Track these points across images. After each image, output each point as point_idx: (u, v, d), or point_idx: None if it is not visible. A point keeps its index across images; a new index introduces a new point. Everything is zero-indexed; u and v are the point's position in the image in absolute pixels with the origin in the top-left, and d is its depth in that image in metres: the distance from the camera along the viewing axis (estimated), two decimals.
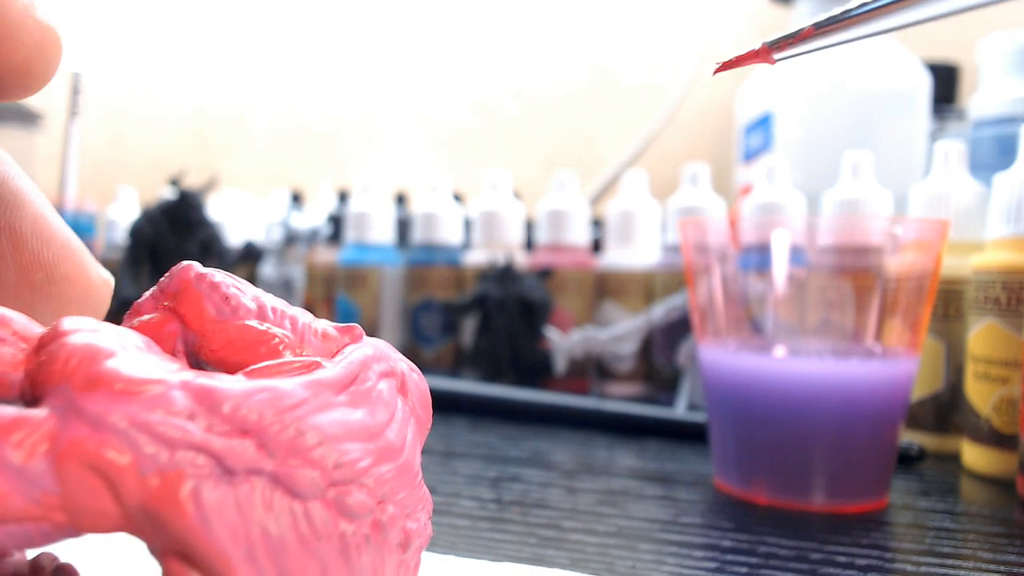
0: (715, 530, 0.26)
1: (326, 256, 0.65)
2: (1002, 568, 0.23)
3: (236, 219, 0.69)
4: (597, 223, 0.63)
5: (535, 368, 0.51)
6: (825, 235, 0.31)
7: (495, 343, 0.51)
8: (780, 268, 0.30)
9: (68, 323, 0.12)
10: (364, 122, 0.90)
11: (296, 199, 0.71)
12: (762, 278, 0.31)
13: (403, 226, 0.65)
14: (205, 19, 0.95)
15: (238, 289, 0.15)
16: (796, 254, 0.31)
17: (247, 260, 0.63)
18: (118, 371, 0.12)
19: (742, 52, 0.16)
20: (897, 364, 0.29)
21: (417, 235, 0.58)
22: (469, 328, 0.54)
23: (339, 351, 0.15)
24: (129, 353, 0.12)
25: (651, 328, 0.51)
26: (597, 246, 0.60)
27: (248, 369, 0.14)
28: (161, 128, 0.97)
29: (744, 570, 0.23)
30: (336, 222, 0.65)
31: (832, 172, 0.45)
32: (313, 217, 0.64)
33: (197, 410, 0.12)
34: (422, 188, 0.71)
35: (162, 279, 0.15)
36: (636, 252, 0.55)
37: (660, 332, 0.51)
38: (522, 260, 0.56)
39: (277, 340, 0.14)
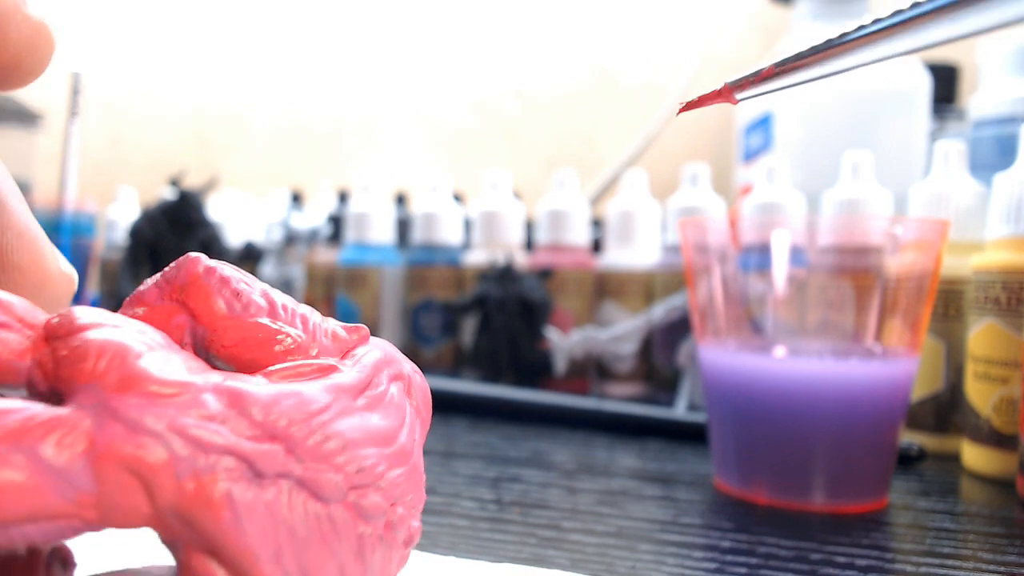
0: (715, 530, 0.26)
1: (326, 256, 0.65)
2: (1002, 569, 0.23)
3: (236, 219, 0.69)
4: (597, 223, 0.63)
5: (535, 368, 0.51)
6: (825, 235, 0.31)
7: (495, 343, 0.51)
8: (780, 268, 0.30)
9: (82, 315, 0.12)
10: (364, 122, 0.90)
11: (296, 199, 0.71)
12: (762, 278, 0.31)
13: (403, 226, 0.65)
14: (205, 19, 0.95)
15: (247, 285, 0.15)
16: (796, 254, 0.31)
17: (247, 260, 0.63)
18: (149, 372, 0.12)
19: (705, 92, 0.16)
20: (897, 364, 0.29)
21: (417, 235, 0.58)
22: (469, 328, 0.54)
23: (348, 352, 0.15)
24: (156, 353, 0.12)
25: (651, 328, 0.51)
26: (597, 246, 0.60)
27: (267, 370, 0.14)
28: (161, 128, 0.97)
29: (744, 570, 0.23)
30: (336, 222, 0.65)
31: (832, 172, 0.45)
32: (313, 217, 0.64)
33: (228, 414, 0.12)
34: (422, 188, 0.71)
35: (167, 270, 0.15)
36: (636, 252, 0.55)
37: (660, 332, 0.51)
38: (522, 260, 0.56)
39: (290, 340, 0.15)
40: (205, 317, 0.14)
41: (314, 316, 0.15)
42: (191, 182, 0.67)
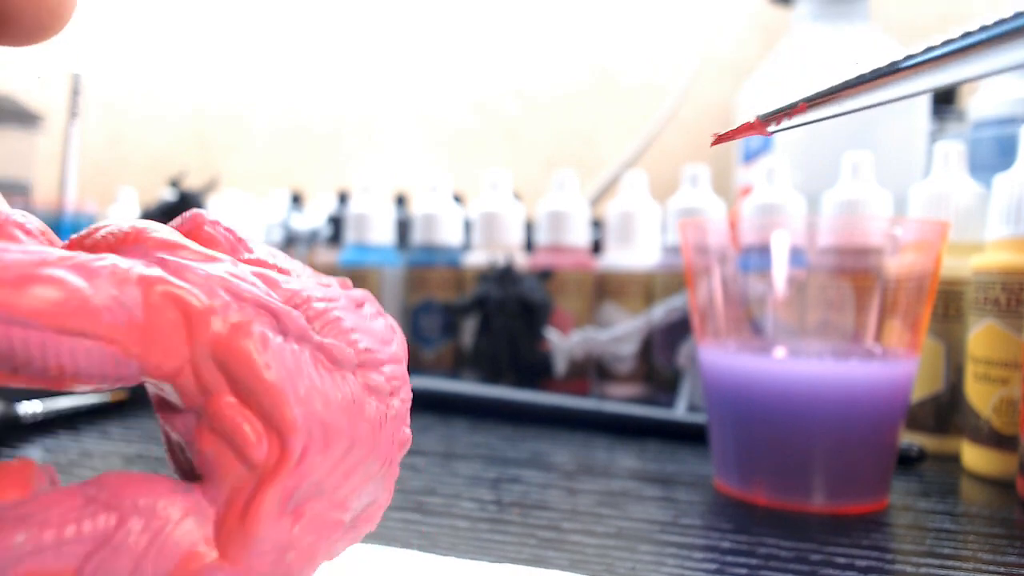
0: (715, 531, 0.26)
1: (326, 257, 0.65)
2: (1002, 569, 0.23)
3: (236, 220, 0.69)
4: (597, 224, 0.63)
5: (535, 369, 0.51)
6: (825, 236, 0.31)
7: (495, 344, 0.51)
8: (780, 269, 0.30)
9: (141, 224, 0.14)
10: (364, 122, 0.90)
11: (296, 200, 0.71)
12: (762, 279, 0.31)
13: (403, 227, 0.65)
14: (205, 19, 0.95)
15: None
16: (796, 255, 0.31)
17: None
18: (191, 246, 0.14)
19: (737, 126, 0.17)
20: (897, 365, 0.29)
21: (417, 236, 0.58)
22: (469, 329, 0.54)
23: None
24: (196, 243, 0.14)
25: (651, 329, 0.51)
26: (597, 247, 0.60)
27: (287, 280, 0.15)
28: (161, 128, 0.97)
29: (744, 571, 0.23)
30: (336, 223, 0.65)
31: (832, 172, 0.45)
32: (313, 218, 0.64)
33: (259, 282, 0.14)
34: (422, 189, 0.71)
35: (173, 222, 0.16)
36: (636, 253, 0.55)
37: (660, 333, 0.51)
38: (522, 261, 0.56)
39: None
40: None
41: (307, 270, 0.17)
42: (191, 183, 0.67)
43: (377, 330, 0.16)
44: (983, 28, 0.15)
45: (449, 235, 0.58)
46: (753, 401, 0.29)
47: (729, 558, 0.24)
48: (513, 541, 0.25)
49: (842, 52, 0.55)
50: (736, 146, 0.63)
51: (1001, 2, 0.14)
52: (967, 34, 0.15)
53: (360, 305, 0.16)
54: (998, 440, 0.33)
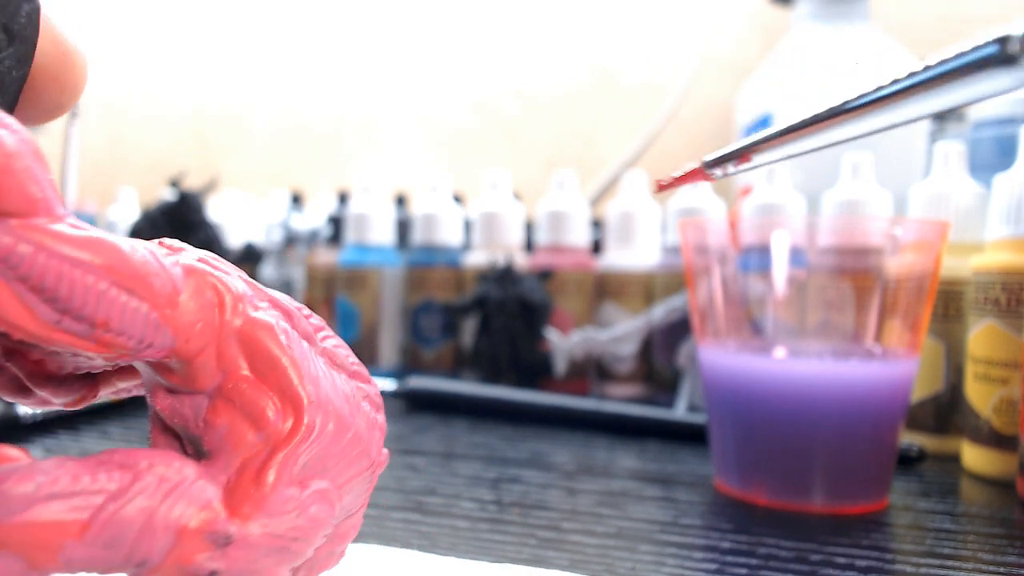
0: (715, 531, 0.26)
1: (326, 257, 0.65)
2: (1002, 569, 0.23)
3: (236, 220, 0.69)
4: (597, 224, 0.63)
5: (535, 369, 0.51)
6: (825, 236, 0.31)
7: (495, 344, 0.51)
8: (780, 269, 0.30)
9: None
10: (364, 122, 0.90)
11: (296, 200, 0.71)
12: (762, 279, 0.31)
13: (403, 227, 0.65)
14: (205, 19, 0.95)
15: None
16: (796, 255, 0.31)
17: (247, 261, 0.63)
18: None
19: (681, 173, 0.18)
20: (897, 365, 0.29)
21: (417, 236, 0.58)
22: (469, 329, 0.54)
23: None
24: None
25: (651, 329, 0.51)
26: (597, 247, 0.60)
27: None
28: (161, 128, 0.97)
29: (744, 571, 0.23)
30: (336, 223, 0.65)
31: (832, 172, 0.45)
32: (313, 218, 0.64)
33: (268, 290, 0.16)
34: (422, 189, 0.71)
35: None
36: (636, 253, 0.55)
37: (660, 333, 0.51)
38: (522, 261, 0.56)
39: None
40: None
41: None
42: (191, 183, 0.67)
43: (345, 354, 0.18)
44: (926, 68, 0.15)
45: (449, 235, 0.58)
46: (753, 401, 0.29)
47: (729, 558, 0.24)
48: (513, 541, 0.25)
49: (842, 52, 0.55)
50: None
51: (1000, 2, 0.14)
52: (911, 74, 0.15)
53: (321, 328, 0.18)
54: (998, 440, 0.33)
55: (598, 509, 0.28)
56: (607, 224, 0.57)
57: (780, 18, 0.70)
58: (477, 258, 0.56)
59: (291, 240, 0.58)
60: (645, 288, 0.54)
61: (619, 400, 0.50)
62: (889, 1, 0.67)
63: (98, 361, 0.14)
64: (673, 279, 0.51)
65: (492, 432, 0.41)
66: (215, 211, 0.67)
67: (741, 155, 0.17)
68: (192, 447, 0.15)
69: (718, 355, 0.31)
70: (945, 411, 0.37)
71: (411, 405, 0.46)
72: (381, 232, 0.59)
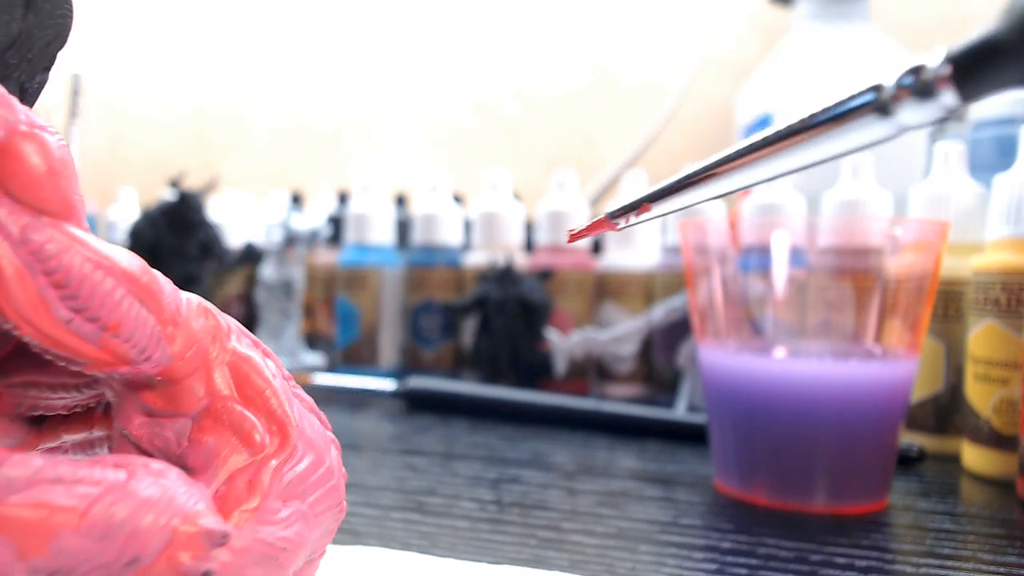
0: (715, 531, 0.26)
1: (326, 257, 0.65)
2: (1002, 570, 0.23)
3: (236, 220, 0.69)
4: None
5: (535, 369, 0.51)
6: (825, 236, 0.31)
7: (495, 344, 0.51)
8: (780, 269, 0.30)
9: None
10: (364, 122, 0.90)
11: (296, 200, 0.71)
12: (762, 279, 0.31)
13: (403, 227, 0.65)
14: (205, 19, 0.95)
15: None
16: (796, 255, 0.31)
17: (247, 261, 0.63)
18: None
19: (590, 223, 0.18)
20: (897, 365, 0.29)
21: (417, 236, 0.58)
22: (469, 329, 0.54)
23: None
24: None
25: (651, 329, 0.51)
26: (597, 247, 0.60)
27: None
28: (161, 128, 0.97)
29: (744, 571, 0.23)
30: (336, 223, 0.65)
31: (832, 172, 0.45)
32: (313, 218, 0.64)
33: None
34: (422, 189, 0.71)
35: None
36: (636, 253, 0.55)
37: (660, 333, 0.51)
38: (522, 261, 0.56)
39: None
40: None
41: None
42: (191, 183, 0.67)
43: None
44: (805, 118, 0.15)
45: (449, 235, 0.58)
46: (753, 401, 0.29)
47: (729, 558, 0.24)
48: (513, 541, 0.25)
49: (842, 52, 0.55)
50: None
51: (1000, 3, 0.14)
52: (790, 124, 0.16)
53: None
54: (998, 440, 0.33)
55: (598, 509, 0.28)
56: None
57: (780, 18, 0.70)
58: (477, 258, 0.56)
59: (291, 240, 0.58)
60: (645, 288, 0.54)
61: (619, 400, 0.50)
62: (889, 1, 0.67)
63: (58, 401, 0.15)
64: (673, 279, 0.51)
65: (492, 432, 0.41)
66: (215, 211, 0.67)
67: (640, 206, 0.18)
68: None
69: (718, 355, 0.31)
70: (945, 411, 0.37)
71: (411, 405, 0.46)
72: (381, 232, 0.59)
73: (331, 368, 0.58)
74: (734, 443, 0.30)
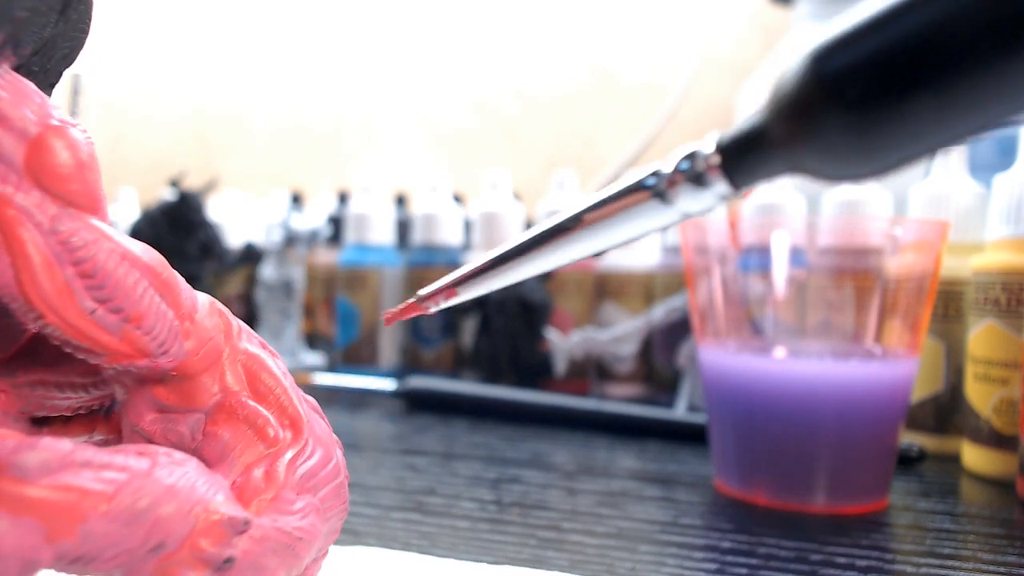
0: (715, 531, 0.26)
1: (326, 257, 0.65)
2: (1002, 569, 0.23)
3: (236, 220, 0.69)
4: None
5: (535, 369, 0.51)
6: (825, 236, 0.31)
7: (495, 344, 0.51)
8: (780, 269, 0.30)
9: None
10: (364, 122, 0.90)
11: (296, 200, 0.71)
12: (762, 279, 0.31)
13: (403, 227, 0.65)
14: (205, 19, 0.95)
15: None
16: (796, 255, 0.31)
17: (247, 261, 0.63)
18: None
19: (404, 306, 0.18)
20: (897, 365, 0.29)
21: (417, 236, 0.58)
22: (469, 329, 0.54)
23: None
24: None
25: (651, 329, 0.51)
26: None
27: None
28: (161, 128, 0.97)
29: (744, 571, 0.23)
30: (336, 223, 0.65)
31: None
32: (313, 218, 0.64)
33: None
34: (422, 189, 0.71)
35: None
36: (636, 253, 0.55)
37: (660, 333, 0.51)
38: None
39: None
40: None
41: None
42: (191, 183, 0.67)
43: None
44: (602, 200, 0.15)
45: (449, 235, 0.58)
46: (753, 401, 0.29)
47: (729, 558, 0.24)
48: (513, 541, 0.25)
49: None
50: None
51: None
52: (596, 203, 0.15)
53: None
54: (998, 440, 0.33)
55: (598, 509, 0.28)
56: None
57: (780, 18, 0.70)
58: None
59: (291, 240, 0.58)
60: (645, 288, 0.54)
61: (619, 400, 0.50)
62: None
63: (64, 401, 0.15)
64: (673, 279, 0.51)
65: (492, 432, 0.41)
66: (215, 211, 0.67)
67: (447, 290, 0.17)
68: None
69: (718, 355, 0.31)
70: (945, 411, 0.37)
71: (411, 405, 0.46)
72: (381, 232, 0.59)
73: (331, 368, 0.58)
74: (734, 443, 0.30)
